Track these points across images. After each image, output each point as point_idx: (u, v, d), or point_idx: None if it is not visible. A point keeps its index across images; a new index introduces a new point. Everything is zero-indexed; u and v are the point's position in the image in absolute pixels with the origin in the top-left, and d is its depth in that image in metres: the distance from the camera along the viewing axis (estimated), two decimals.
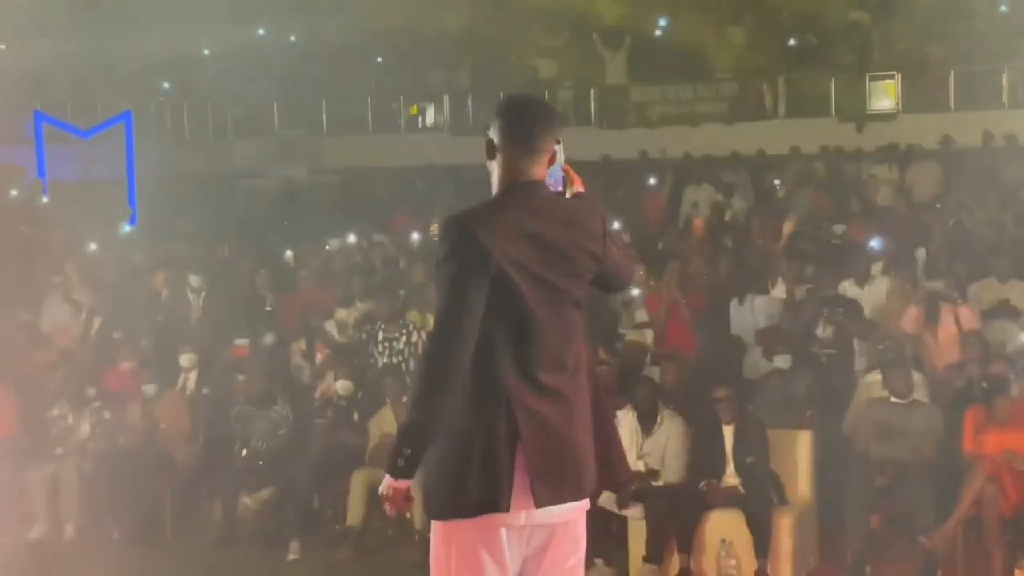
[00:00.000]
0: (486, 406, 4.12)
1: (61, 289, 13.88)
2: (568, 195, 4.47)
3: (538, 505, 4.14)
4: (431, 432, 4.10)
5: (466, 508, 4.12)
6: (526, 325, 4.16)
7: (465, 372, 4.09)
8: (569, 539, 4.33)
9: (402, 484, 4.15)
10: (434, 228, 15.59)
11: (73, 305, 13.55)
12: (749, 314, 12.14)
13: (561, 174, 4.47)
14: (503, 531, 4.17)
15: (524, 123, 4.28)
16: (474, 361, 4.11)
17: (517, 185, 4.26)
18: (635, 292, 12.52)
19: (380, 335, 11.97)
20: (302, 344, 12.54)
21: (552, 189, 4.40)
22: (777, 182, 18.92)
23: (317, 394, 11.59)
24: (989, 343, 10.86)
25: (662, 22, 24.30)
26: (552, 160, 4.33)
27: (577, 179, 4.49)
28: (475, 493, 4.10)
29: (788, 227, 13.73)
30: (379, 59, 25.55)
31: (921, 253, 13.55)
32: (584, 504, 4.34)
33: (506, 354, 4.14)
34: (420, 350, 11.43)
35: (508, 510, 4.11)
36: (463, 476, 4.11)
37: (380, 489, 4.22)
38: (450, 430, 4.11)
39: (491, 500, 4.10)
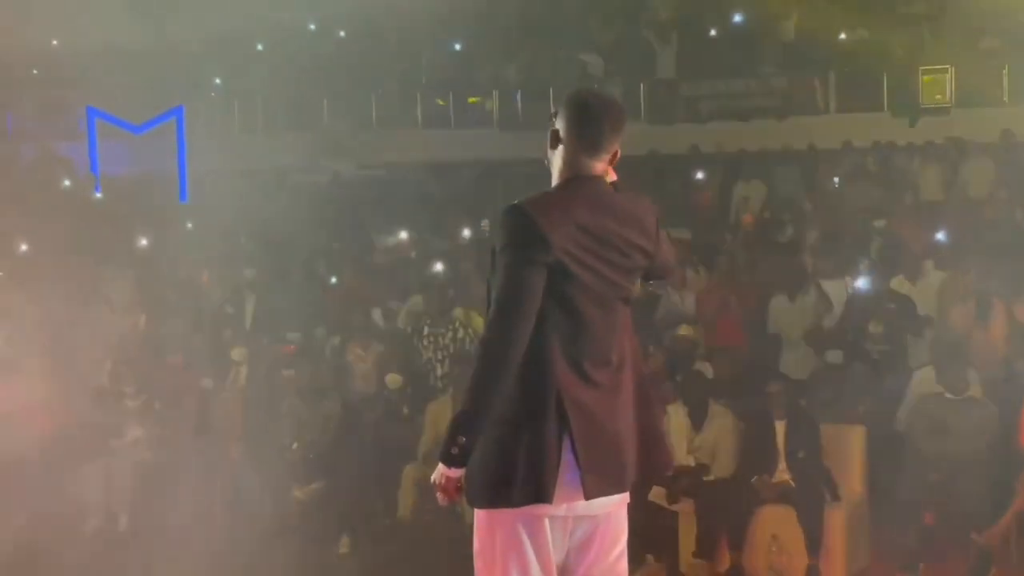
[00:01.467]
0: (535, 396, 4.14)
1: (114, 283, 13.97)
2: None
3: (587, 497, 4.15)
4: (486, 420, 4.10)
5: (511, 498, 4.13)
6: (578, 317, 4.17)
7: (519, 358, 4.10)
8: (612, 531, 4.36)
9: (455, 472, 4.16)
10: (486, 224, 15.60)
11: (124, 299, 13.63)
12: (799, 311, 12.03)
13: None
14: (547, 521, 4.19)
15: (593, 121, 4.29)
16: (529, 349, 4.11)
17: (578, 179, 4.28)
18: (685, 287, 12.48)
19: (426, 330, 12.00)
20: (352, 337, 12.57)
21: None
22: (836, 179, 18.80)
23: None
24: None
25: (712, 16, 24.17)
26: (615, 158, 4.33)
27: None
28: (520, 483, 4.11)
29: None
30: (428, 54, 25.55)
31: (973, 249, 13.43)
32: (625, 496, 4.36)
33: (556, 345, 4.15)
34: (465, 346, 11.46)
35: (551, 501, 4.12)
36: (510, 466, 4.12)
37: (432, 478, 4.23)
38: (497, 419, 4.12)
39: (536, 490, 4.11)
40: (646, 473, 4.38)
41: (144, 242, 15.98)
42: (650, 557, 9.37)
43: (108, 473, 11.18)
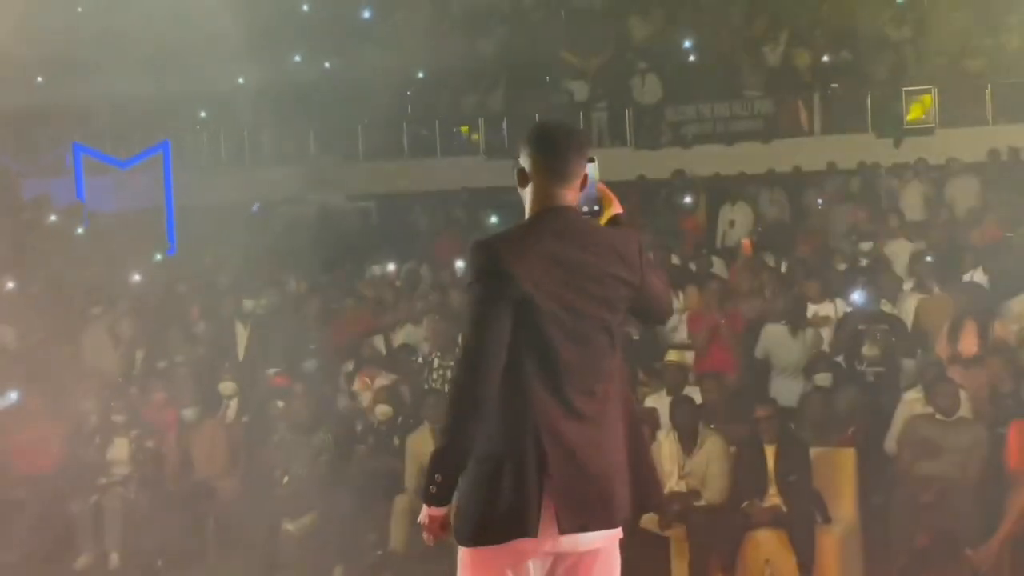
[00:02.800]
0: (514, 431, 4.12)
1: (101, 320, 13.96)
2: (604, 215, 4.48)
3: (562, 532, 4.12)
4: (462, 458, 4.10)
5: (493, 534, 4.11)
6: (553, 349, 4.15)
7: (494, 397, 4.08)
8: (599, 569, 4.29)
9: (437, 512, 4.16)
10: None
11: (113, 335, 13.62)
12: (800, 344, 11.94)
13: (596, 194, 4.47)
14: (531, 560, 4.17)
15: (554, 150, 4.29)
16: (502, 385, 4.10)
17: (548, 210, 4.27)
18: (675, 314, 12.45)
19: (436, 362, 12.00)
20: (345, 369, 12.57)
21: (587, 209, 4.41)
22: (820, 201, 18.86)
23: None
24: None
25: (696, 41, 24.27)
26: (584, 182, 4.33)
27: (613, 198, 4.50)
28: (502, 519, 4.09)
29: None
30: (413, 84, 25.61)
31: (959, 268, 13.47)
32: (616, 533, 4.31)
33: (534, 379, 4.13)
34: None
35: (535, 535, 4.09)
36: (490, 502, 4.10)
37: (419, 518, 4.23)
38: (478, 455, 4.11)
39: (518, 525, 4.09)
40: (637, 508, 4.33)
41: (133, 277, 15.97)
42: None
43: (98, 510, 11.15)
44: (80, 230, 18.30)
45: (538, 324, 4.12)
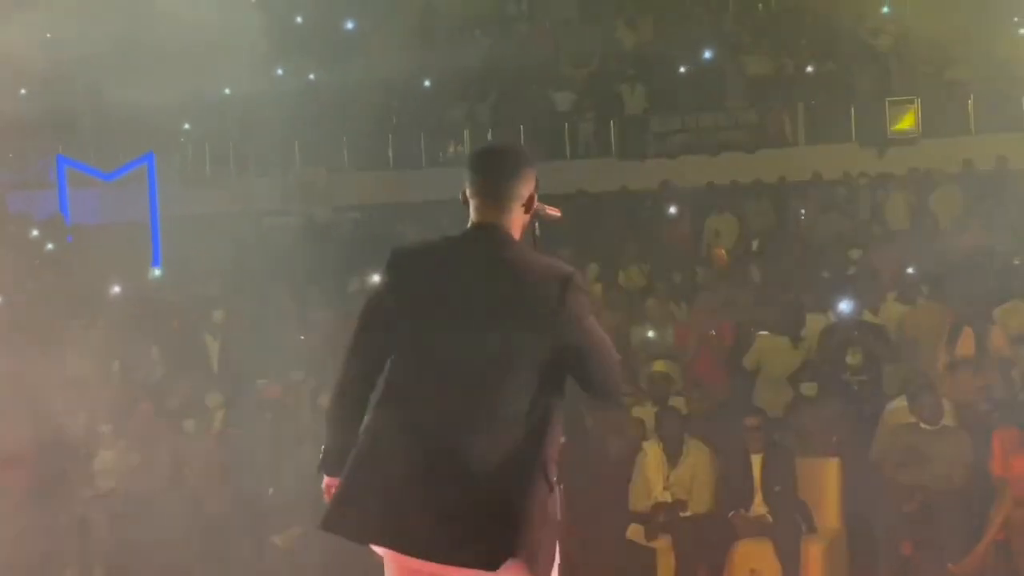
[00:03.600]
0: (368, 428, 4.22)
1: (85, 332, 13.93)
2: (537, 227, 4.42)
3: (327, 528, 4.24)
4: (331, 436, 4.37)
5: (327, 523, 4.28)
6: (421, 361, 4.13)
7: (363, 391, 4.26)
8: None
9: (326, 480, 4.42)
10: None
11: (96, 348, 13.58)
12: (800, 352, 11.97)
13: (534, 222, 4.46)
14: (389, 565, 4.31)
15: (478, 171, 4.31)
16: (384, 395, 4.20)
17: (473, 226, 4.29)
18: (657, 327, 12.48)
19: None
20: (328, 381, 12.55)
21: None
22: (802, 212, 18.92)
23: None
24: (1016, 366, 10.83)
25: (681, 52, 24.33)
26: (530, 202, 4.31)
27: (549, 208, 4.46)
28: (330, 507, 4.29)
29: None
30: (398, 95, 25.62)
31: (944, 277, 13.50)
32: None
33: (396, 382, 4.18)
34: None
35: (321, 527, 4.26)
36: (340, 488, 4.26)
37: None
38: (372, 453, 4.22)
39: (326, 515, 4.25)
40: (499, 552, 3.97)
41: (117, 289, 15.94)
42: None
43: (83, 524, 11.11)
44: (50, 246, 18.24)
45: (414, 332, 4.16)
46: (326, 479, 4.42)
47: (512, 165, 4.30)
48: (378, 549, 4.25)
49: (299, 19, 26.82)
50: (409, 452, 4.04)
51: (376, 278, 14.87)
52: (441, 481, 3.99)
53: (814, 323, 12.36)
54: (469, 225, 4.30)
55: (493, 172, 4.29)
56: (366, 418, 4.24)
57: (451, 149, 25.39)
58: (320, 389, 12.44)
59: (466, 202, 4.34)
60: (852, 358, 11.42)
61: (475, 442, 4.00)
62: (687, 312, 13.14)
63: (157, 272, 17.72)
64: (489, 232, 4.23)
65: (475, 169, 4.32)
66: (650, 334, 13.10)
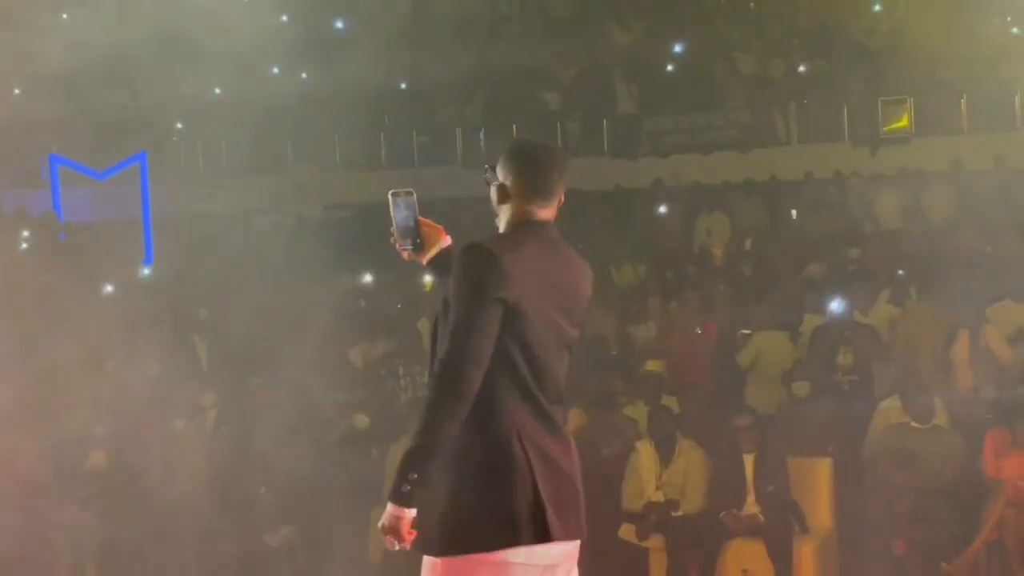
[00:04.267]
0: (496, 438, 4.13)
1: (79, 331, 13.90)
2: (428, 250, 4.61)
3: (555, 538, 4.14)
4: (438, 458, 4.05)
5: (480, 542, 4.10)
6: (534, 359, 4.18)
7: (474, 400, 4.08)
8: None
9: (407, 513, 4.08)
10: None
11: (91, 346, 13.56)
12: (798, 348, 12.00)
13: (415, 227, 4.60)
14: (513, 568, 4.14)
15: (543, 170, 4.32)
16: (484, 392, 4.09)
17: (531, 223, 4.30)
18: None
19: (401, 370, 12.02)
20: (320, 380, 12.54)
21: (409, 244, 4.56)
22: (793, 212, 18.92)
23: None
24: (1014, 366, 10.85)
25: (673, 51, 24.33)
26: (560, 204, 4.38)
27: (441, 231, 4.66)
28: (492, 527, 4.08)
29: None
30: (390, 95, 25.59)
31: (936, 277, 13.51)
32: (577, 545, 4.34)
33: (514, 386, 4.15)
34: None
35: (527, 542, 4.10)
36: (478, 510, 4.10)
37: (381, 521, 4.15)
38: (455, 464, 4.09)
39: (507, 533, 4.09)
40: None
41: (109, 288, 15.91)
42: None
43: (75, 523, 11.10)
44: (61, 240, 18.24)
45: (522, 331, 4.14)
46: (406, 512, 4.10)
47: (564, 165, 4.40)
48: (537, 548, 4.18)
49: (292, 19, 26.77)
50: (556, 447, 4.23)
51: (368, 277, 14.85)
52: (574, 464, 4.31)
53: (808, 323, 12.38)
54: (536, 219, 4.31)
55: (554, 172, 4.34)
56: (499, 423, 4.14)
57: (443, 149, 25.37)
58: (311, 387, 12.45)
59: (504, 199, 4.34)
60: (843, 358, 11.44)
61: (561, 420, 4.33)
62: (679, 310, 13.13)
63: (147, 271, 17.67)
64: (547, 227, 4.33)
65: (536, 167, 4.32)
66: (643, 333, 13.10)
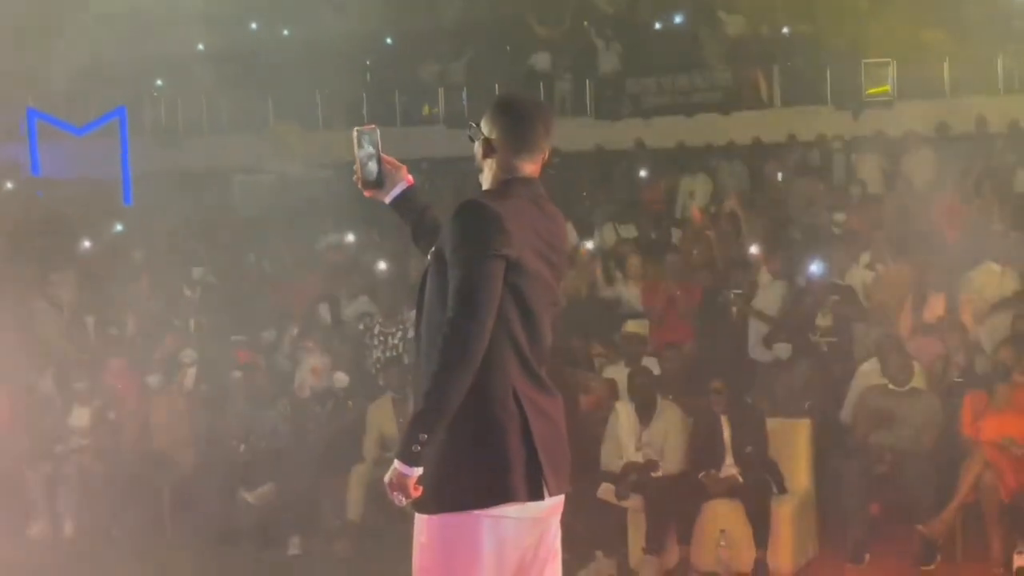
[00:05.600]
0: (492, 396, 4.11)
1: (56, 287, 13.86)
2: (388, 188, 4.54)
3: (552, 493, 4.18)
4: (447, 418, 4.04)
5: (480, 498, 4.11)
6: (531, 315, 4.18)
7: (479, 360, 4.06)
8: (554, 534, 4.36)
9: (415, 472, 4.06)
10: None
11: (67, 303, 13.52)
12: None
13: (375, 166, 4.51)
14: (506, 523, 4.15)
15: (530, 125, 4.28)
16: (493, 347, 4.09)
17: (518, 180, 4.28)
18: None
19: (376, 328, 12.02)
20: (298, 337, 12.53)
21: (371, 181, 4.47)
22: (780, 174, 18.92)
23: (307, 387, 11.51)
24: (991, 331, 10.88)
25: (656, 12, 24.26)
26: (546, 158, 4.34)
27: (402, 168, 4.57)
28: (488, 483, 4.09)
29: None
30: (373, 53, 25.48)
31: (915, 240, 13.54)
32: (562, 499, 4.36)
33: (509, 343, 4.13)
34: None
35: (523, 499, 4.12)
36: (476, 467, 4.10)
37: (387, 477, 4.11)
38: (452, 421, 4.06)
39: (505, 489, 4.11)
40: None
41: (88, 244, 15.85)
42: (599, 553, 9.39)
43: (54, 478, 11.10)
44: (39, 196, 18.16)
45: (521, 288, 4.12)
46: (413, 471, 4.06)
47: (551, 120, 4.36)
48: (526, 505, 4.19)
49: None
50: (548, 402, 4.23)
51: (350, 237, 14.80)
52: (563, 418, 4.29)
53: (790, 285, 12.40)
54: (522, 174, 4.28)
55: (542, 128, 4.31)
56: (495, 379, 4.11)
57: (425, 108, 25.29)
58: (289, 345, 12.44)
59: (490, 153, 4.31)
60: (822, 320, 11.46)
61: (547, 375, 4.31)
62: (660, 272, 13.12)
63: (119, 227, 17.57)
64: (535, 183, 4.31)
65: (523, 122, 4.29)
66: (624, 294, 13.11)
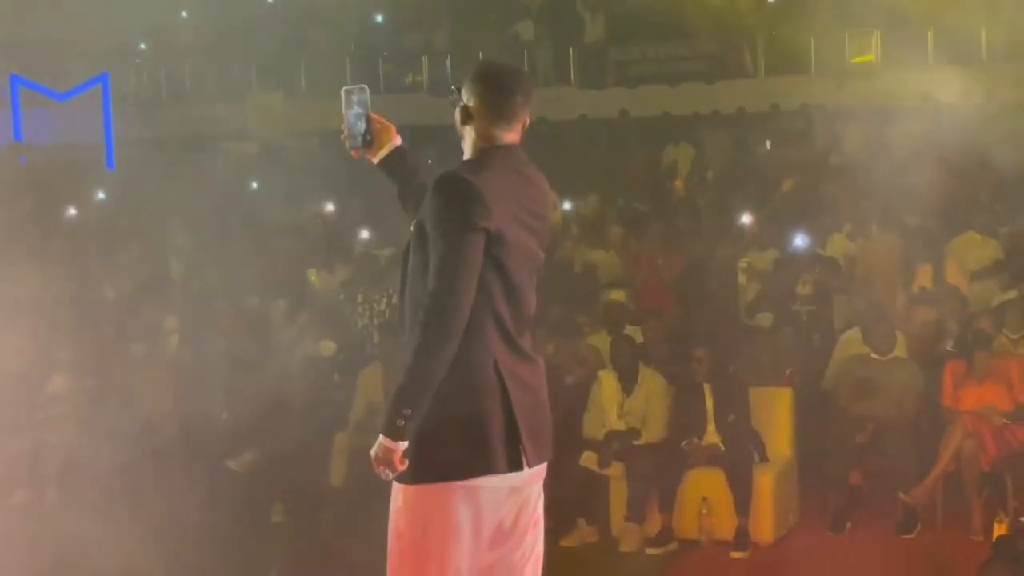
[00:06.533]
0: (472, 366, 4.12)
1: (38, 254, 13.80)
2: (379, 147, 4.52)
3: (531, 464, 4.19)
4: (430, 392, 4.05)
5: (456, 470, 4.12)
6: (512, 286, 4.17)
7: (462, 328, 4.06)
8: (535, 503, 4.36)
9: (400, 446, 4.07)
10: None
11: (51, 269, 13.47)
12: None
13: (364, 125, 4.48)
14: (483, 492, 4.17)
15: (508, 93, 4.27)
16: (475, 317, 4.10)
17: (497, 148, 4.26)
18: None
19: (359, 297, 12.02)
20: (283, 306, 12.52)
21: (360, 141, 4.46)
22: (768, 142, 18.93)
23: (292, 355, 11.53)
24: (969, 298, 10.91)
25: None
26: (525, 127, 4.33)
27: (391, 127, 4.53)
28: (467, 455, 4.10)
29: (787, 186, 13.70)
30: (356, 20, 25.37)
31: (899, 210, 13.55)
32: (545, 465, 4.38)
33: (490, 314, 4.14)
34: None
35: (503, 470, 4.13)
36: (454, 439, 4.10)
37: (372, 452, 4.12)
38: (435, 393, 4.07)
39: (485, 461, 4.12)
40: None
41: (71, 211, 15.80)
42: (582, 521, 9.43)
43: (36, 445, 11.08)
44: (22, 163, 18.07)
45: (501, 259, 4.12)
46: (397, 445, 4.07)
47: (530, 88, 4.35)
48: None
49: None
50: (528, 372, 4.24)
51: (330, 207, 14.78)
52: (544, 388, 4.32)
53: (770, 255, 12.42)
54: (501, 143, 4.27)
55: (520, 96, 4.29)
56: (475, 350, 4.12)
57: (409, 76, 25.20)
58: (274, 312, 12.43)
59: (467, 120, 4.30)
60: (802, 288, 11.49)
61: (531, 345, 4.34)
62: (642, 240, 13.14)
63: (102, 195, 17.52)
64: (515, 151, 4.30)
65: (501, 90, 4.27)
66: (607, 262, 13.12)
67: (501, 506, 4.24)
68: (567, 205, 15.30)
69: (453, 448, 4.11)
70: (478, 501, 4.17)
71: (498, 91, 4.26)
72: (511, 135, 4.29)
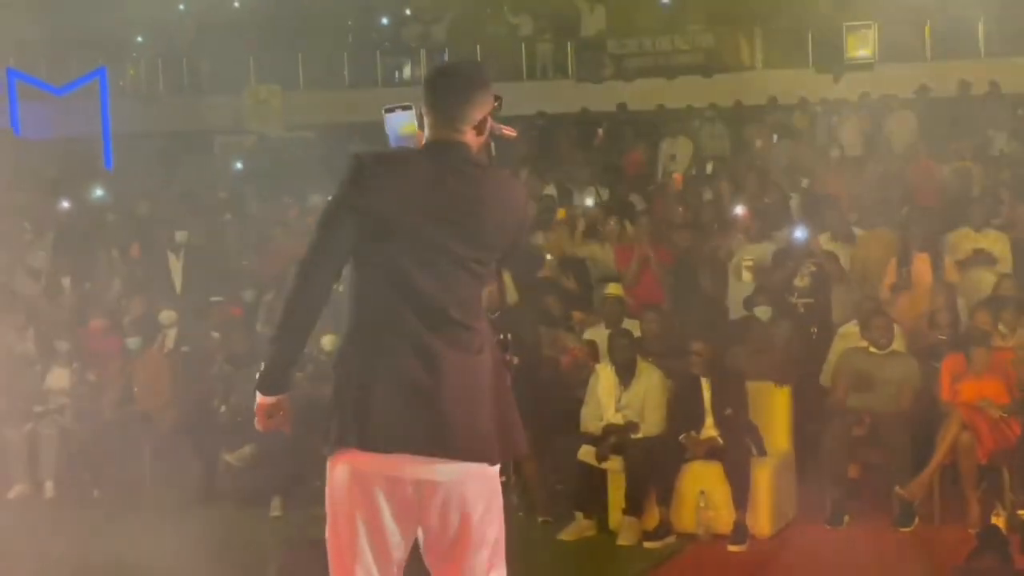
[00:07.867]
0: (348, 347, 4.29)
1: (35, 248, 13.82)
2: (493, 147, 4.48)
3: (373, 448, 4.23)
4: (281, 350, 4.33)
5: (329, 441, 4.32)
6: (400, 276, 4.22)
7: (323, 298, 4.25)
8: (461, 501, 4.31)
9: (264, 399, 4.40)
10: None
11: (47, 263, 13.49)
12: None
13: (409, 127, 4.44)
14: (355, 469, 4.29)
15: (440, 95, 4.33)
16: (349, 304, 4.27)
17: (435, 142, 4.32)
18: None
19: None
20: (281, 300, 12.51)
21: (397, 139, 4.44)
22: (761, 136, 18.90)
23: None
24: (965, 292, 10.91)
25: None
26: (483, 125, 4.33)
27: (505, 128, 4.49)
28: (334, 428, 4.28)
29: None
30: (354, 14, 25.36)
31: (897, 203, 13.55)
32: (480, 468, 4.31)
33: (381, 295, 4.22)
34: None
35: (354, 447, 4.24)
36: (331, 412, 4.31)
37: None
38: (335, 360, 4.32)
39: (338, 435, 4.27)
40: (503, 452, 4.37)
41: (67, 204, 15.79)
42: (579, 514, 9.43)
43: (33, 439, 11.08)
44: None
45: (387, 243, 4.19)
46: (262, 398, 4.40)
47: (464, 89, 4.34)
48: (366, 457, 4.26)
49: None
50: (409, 360, 4.21)
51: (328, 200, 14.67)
52: (444, 386, 4.21)
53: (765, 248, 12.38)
54: (436, 140, 4.32)
55: (445, 95, 4.33)
56: (348, 335, 4.30)
57: (407, 69, 25.21)
58: (272, 307, 12.42)
59: (422, 126, 4.38)
60: (799, 281, 11.46)
61: (465, 348, 4.26)
62: (640, 234, 13.11)
63: (99, 192, 17.51)
64: (446, 147, 4.30)
65: (429, 90, 4.36)
66: (605, 256, 13.09)
67: (419, 502, 4.28)
68: (559, 196, 15.29)
69: (329, 420, 4.31)
70: (368, 485, 4.27)
71: (434, 92, 4.35)
72: (453, 134, 4.31)
